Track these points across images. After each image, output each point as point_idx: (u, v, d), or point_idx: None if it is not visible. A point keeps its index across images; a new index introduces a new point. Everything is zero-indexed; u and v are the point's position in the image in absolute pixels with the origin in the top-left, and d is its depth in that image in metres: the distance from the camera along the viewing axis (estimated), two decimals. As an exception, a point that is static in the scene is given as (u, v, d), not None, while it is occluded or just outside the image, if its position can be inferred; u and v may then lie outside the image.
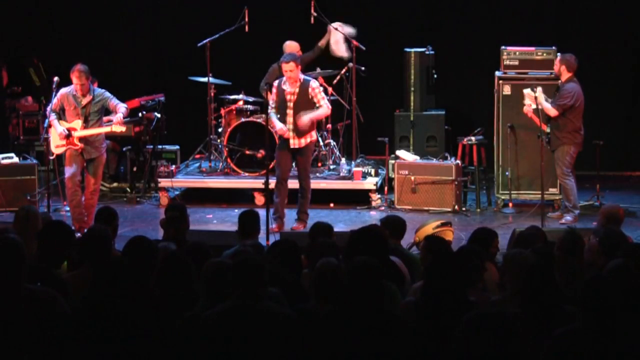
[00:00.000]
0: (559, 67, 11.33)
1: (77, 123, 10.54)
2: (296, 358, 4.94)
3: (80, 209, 10.62)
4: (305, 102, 10.76)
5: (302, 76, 10.83)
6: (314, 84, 10.82)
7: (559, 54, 11.62)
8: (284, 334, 4.95)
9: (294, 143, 10.76)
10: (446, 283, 5.34)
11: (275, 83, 10.90)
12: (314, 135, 10.99)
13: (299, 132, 10.74)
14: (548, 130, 11.36)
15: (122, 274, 5.04)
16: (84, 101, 10.56)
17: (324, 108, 10.88)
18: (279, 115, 10.83)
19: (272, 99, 10.89)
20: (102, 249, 6.11)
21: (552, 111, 11.19)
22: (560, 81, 11.37)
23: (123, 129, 10.87)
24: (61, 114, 10.62)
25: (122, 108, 10.64)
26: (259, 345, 4.90)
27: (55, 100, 10.59)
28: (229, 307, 4.99)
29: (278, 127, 10.80)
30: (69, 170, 10.62)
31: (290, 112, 10.72)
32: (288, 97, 10.74)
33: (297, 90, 10.73)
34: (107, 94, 10.70)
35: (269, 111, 10.75)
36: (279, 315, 5.00)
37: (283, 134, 10.78)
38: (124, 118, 10.75)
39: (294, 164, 11.08)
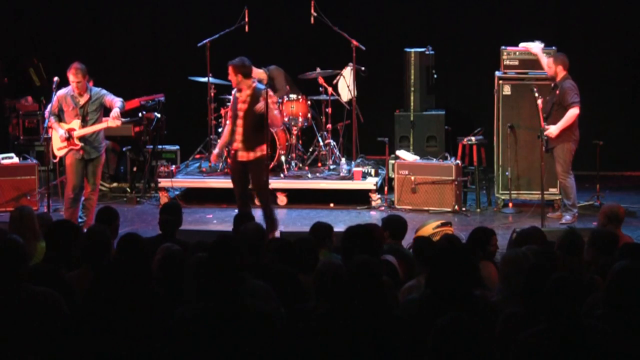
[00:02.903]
0: (554, 69, 11.28)
1: (76, 123, 10.50)
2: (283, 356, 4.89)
3: (74, 217, 10.51)
4: (256, 112, 9.84)
5: (256, 84, 9.94)
6: (265, 93, 9.77)
7: (559, 53, 11.61)
8: (263, 332, 4.84)
9: (242, 155, 9.90)
10: (451, 280, 5.32)
11: (234, 91, 10.05)
12: (264, 149, 9.90)
13: (247, 145, 9.88)
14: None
15: (122, 274, 5.03)
16: (82, 101, 10.49)
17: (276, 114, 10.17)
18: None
19: (229, 109, 10.52)
20: (102, 250, 6.11)
21: (575, 111, 11.06)
22: (556, 80, 11.33)
23: (118, 123, 10.42)
24: (61, 116, 10.56)
25: (118, 102, 10.45)
26: (239, 345, 4.81)
27: (53, 102, 10.49)
28: (207, 308, 4.87)
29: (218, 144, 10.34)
30: (70, 182, 10.55)
31: (240, 122, 9.89)
32: (239, 105, 9.89)
33: (248, 99, 9.87)
34: (104, 91, 10.58)
35: (226, 123, 10.51)
36: (259, 313, 4.88)
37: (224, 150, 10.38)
38: (121, 112, 10.44)
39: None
